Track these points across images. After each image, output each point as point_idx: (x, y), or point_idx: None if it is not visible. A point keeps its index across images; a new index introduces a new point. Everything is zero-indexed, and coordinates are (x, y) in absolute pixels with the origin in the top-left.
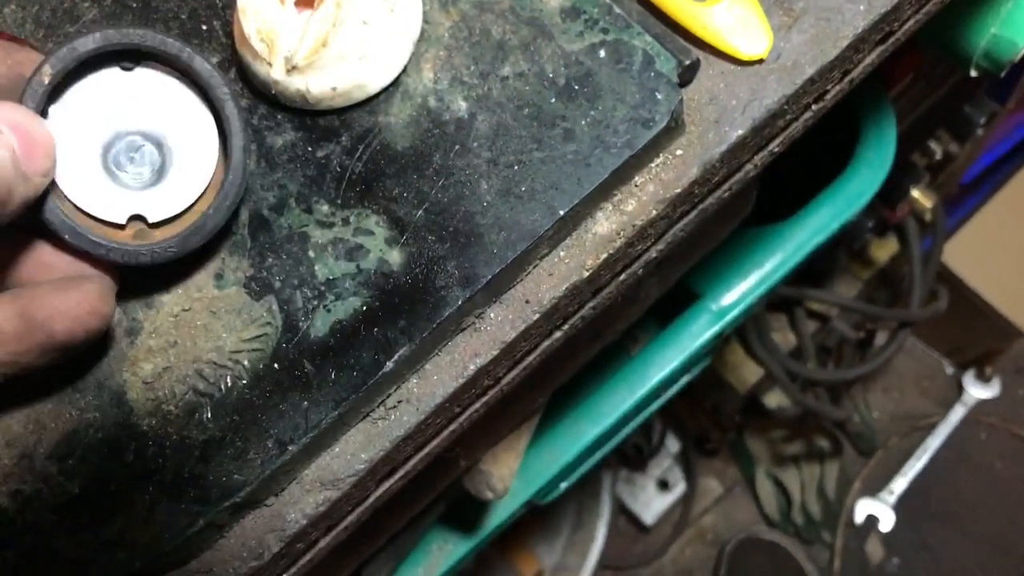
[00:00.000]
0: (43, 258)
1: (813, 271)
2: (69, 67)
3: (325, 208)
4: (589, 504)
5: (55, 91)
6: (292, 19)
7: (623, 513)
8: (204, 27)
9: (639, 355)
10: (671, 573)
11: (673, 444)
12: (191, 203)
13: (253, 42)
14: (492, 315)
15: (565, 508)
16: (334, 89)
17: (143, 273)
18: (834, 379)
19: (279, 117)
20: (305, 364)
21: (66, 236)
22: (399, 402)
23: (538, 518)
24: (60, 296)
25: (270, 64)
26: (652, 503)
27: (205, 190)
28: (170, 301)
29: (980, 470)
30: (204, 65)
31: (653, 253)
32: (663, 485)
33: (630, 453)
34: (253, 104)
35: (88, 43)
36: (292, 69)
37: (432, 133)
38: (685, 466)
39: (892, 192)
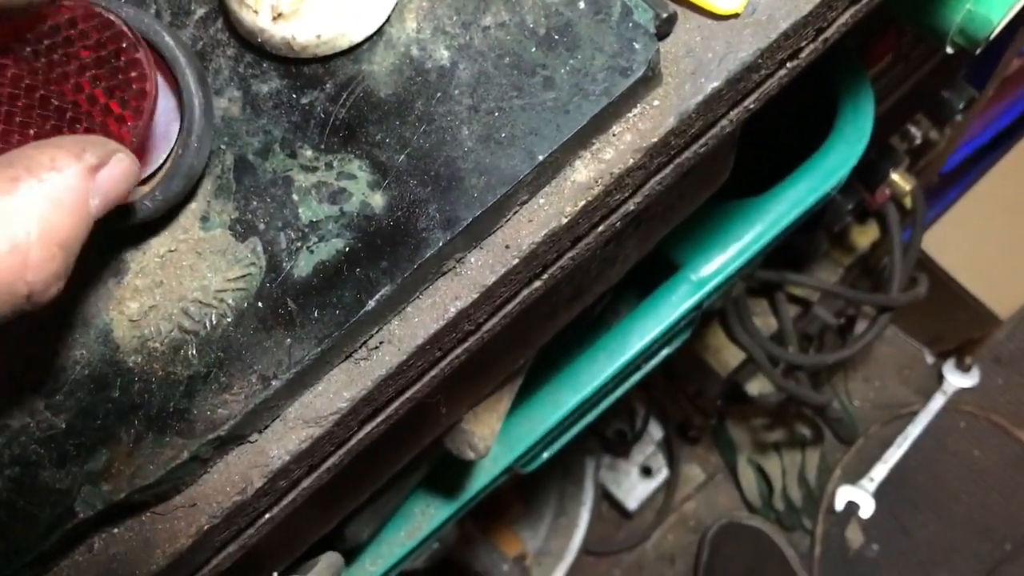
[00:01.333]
0: None
1: (794, 256)
2: None
3: (309, 153)
4: (572, 490)
5: None
6: None
7: (606, 499)
8: None
9: (620, 324)
10: (653, 558)
11: (656, 431)
12: (166, 156)
13: None
14: (472, 260)
15: (548, 494)
16: (319, 37)
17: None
18: (815, 363)
19: (264, 65)
20: (288, 303)
21: None
22: (381, 343)
23: (522, 501)
24: None
25: (256, 12)
26: (635, 489)
27: (177, 141)
28: (157, 243)
29: (959, 458)
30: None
31: (631, 205)
32: (646, 471)
33: (613, 439)
34: (239, 52)
35: None
36: (278, 17)
37: (415, 81)
38: (668, 453)
39: (872, 175)
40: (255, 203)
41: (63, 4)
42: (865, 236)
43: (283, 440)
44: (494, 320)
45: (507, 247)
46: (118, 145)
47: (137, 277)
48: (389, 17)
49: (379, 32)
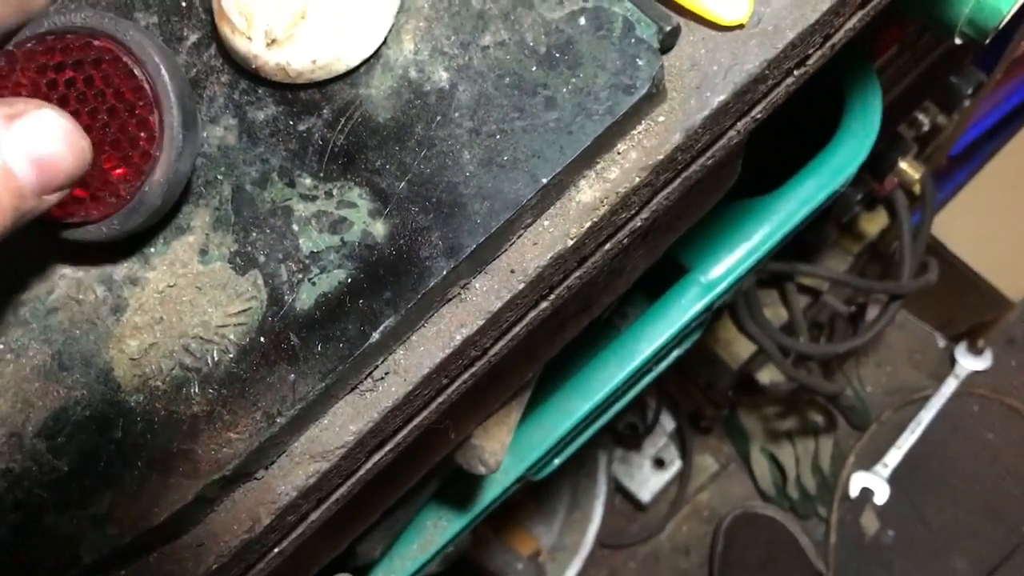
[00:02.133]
0: None
1: (803, 246)
2: None
3: (308, 181)
4: (585, 484)
5: None
6: None
7: (619, 492)
8: (183, 2)
9: (629, 329)
10: (668, 550)
11: (668, 422)
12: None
13: (232, 16)
14: (477, 285)
15: (561, 488)
16: (314, 62)
17: (125, 250)
18: (826, 353)
19: (260, 91)
20: (291, 337)
21: None
22: (386, 373)
23: (534, 499)
24: None
25: (249, 38)
26: (648, 481)
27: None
28: (155, 278)
29: (973, 441)
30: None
31: (638, 222)
32: (659, 463)
33: (625, 432)
34: (234, 79)
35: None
36: (272, 43)
37: (413, 104)
38: (680, 444)
39: (880, 164)
40: (254, 234)
41: (93, 41)
42: (874, 223)
43: (290, 476)
44: (500, 344)
45: (512, 271)
46: (41, 103)
47: (136, 314)
48: (386, 39)
49: (376, 54)
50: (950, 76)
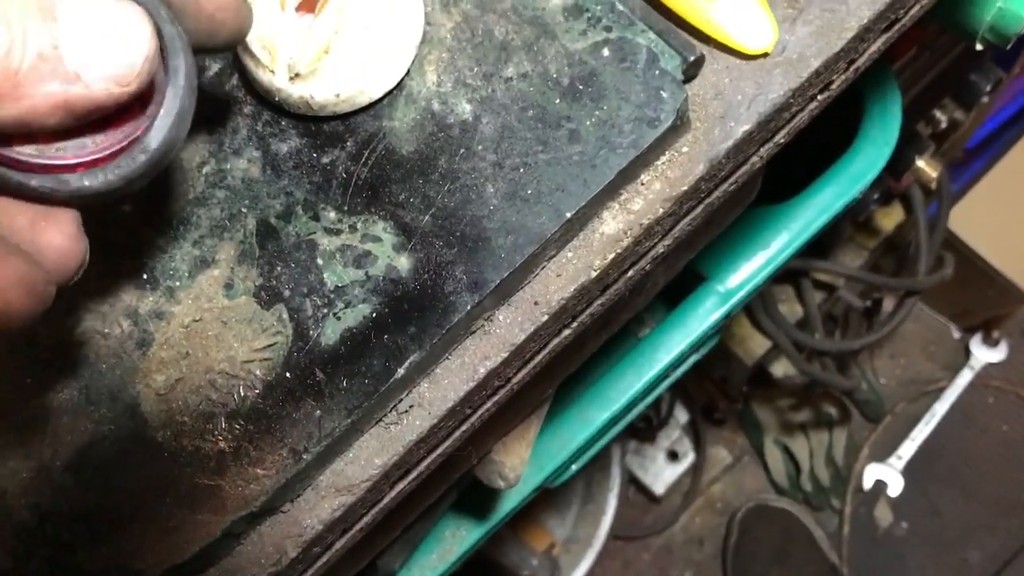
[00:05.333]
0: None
1: (818, 242)
2: None
3: (332, 215)
4: (599, 477)
5: None
6: (293, 25)
7: (633, 484)
8: None
9: (646, 339)
10: (682, 541)
11: (681, 415)
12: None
13: (254, 49)
14: (501, 317)
15: (575, 481)
16: (338, 95)
17: (151, 284)
18: (841, 349)
19: (283, 123)
20: (316, 372)
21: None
22: (411, 407)
23: (548, 494)
24: None
25: (272, 72)
26: (662, 473)
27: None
28: (181, 312)
29: (988, 433)
30: None
31: (660, 248)
32: (672, 455)
33: (639, 425)
34: (257, 110)
35: None
36: (295, 76)
37: (437, 137)
38: (694, 436)
39: (897, 163)
40: (279, 268)
41: None
42: (890, 218)
43: (316, 509)
44: (523, 372)
45: (536, 303)
46: None
47: (162, 348)
48: (408, 70)
49: (399, 86)
50: (969, 73)
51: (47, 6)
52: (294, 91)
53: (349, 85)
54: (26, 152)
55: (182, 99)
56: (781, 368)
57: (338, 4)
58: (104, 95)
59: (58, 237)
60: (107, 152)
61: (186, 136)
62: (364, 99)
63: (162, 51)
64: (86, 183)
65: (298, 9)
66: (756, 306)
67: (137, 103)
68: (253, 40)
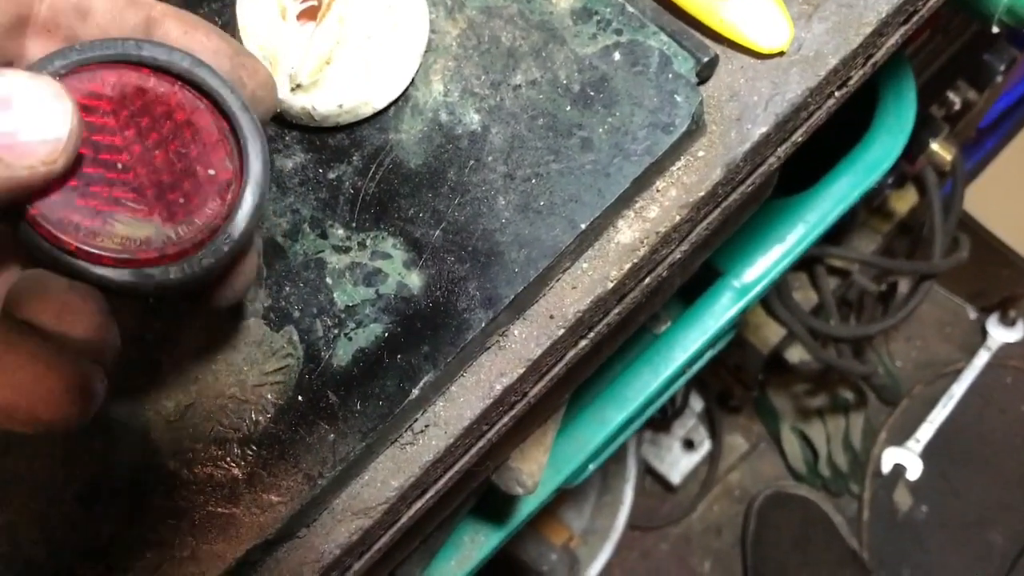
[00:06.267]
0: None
1: (832, 228)
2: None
3: (340, 232)
4: (615, 468)
5: None
6: (294, 35)
7: (649, 474)
8: None
9: (663, 336)
10: (700, 530)
11: (696, 403)
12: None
13: None
14: (516, 332)
15: (592, 474)
16: (340, 106)
17: (156, 307)
18: (857, 335)
19: (287, 139)
20: (329, 395)
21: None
22: (426, 426)
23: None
24: (15, 374)
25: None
26: (678, 463)
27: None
28: (189, 337)
29: (1006, 414)
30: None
31: (677, 255)
32: (688, 444)
33: (654, 415)
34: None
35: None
36: (297, 87)
37: (445, 148)
38: (709, 424)
39: (911, 146)
40: (288, 289)
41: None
42: (903, 201)
43: (332, 534)
44: (540, 386)
45: (551, 317)
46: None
47: (171, 374)
48: (413, 79)
49: (404, 96)
50: (983, 54)
51: None
52: (296, 102)
53: (352, 95)
54: (109, 247)
55: (261, 184)
56: (796, 354)
57: (340, 13)
58: (27, 174)
59: (89, 328)
60: (191, 244)
61: None
62: (368, 110)
63: (236, 135)
64: (171, 276)
65: (299, 18)
66: (770, 294)
67: (210, 186)
68: (254, 50)
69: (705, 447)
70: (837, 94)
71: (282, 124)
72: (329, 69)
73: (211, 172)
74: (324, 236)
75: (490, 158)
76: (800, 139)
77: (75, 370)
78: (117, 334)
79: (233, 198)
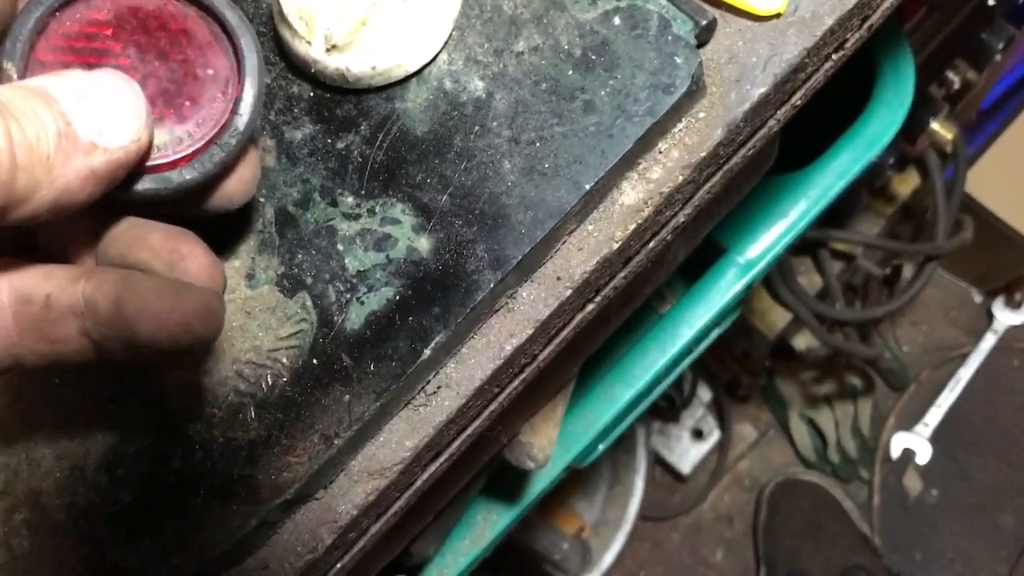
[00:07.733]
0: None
1: (835, 211)
2: None
3: (350, 200)
4: (625, 459)
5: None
6: None
7: (659, 464)
8: (242, 4)
9: (668, 314)
10: (711, 520)
11: (705, 393)
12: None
13: (292, 20)
14: (524, 294)
15: (601, 464)
16: (374, 68)
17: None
18: (862, 318)
19: (295, 111)
20: (343, 358)
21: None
22: (439, 388)
23: (576, 478)
24: (157, 296)
25: (309, 43)
26: (688, 452)
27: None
28: None
29: (1014, 396)
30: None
31: (681, 218)
32: (697, 434)
33: (663, 405)
34: (270, 99)
35: None
36: (332, 48)
37: (451, 116)
38: (718, 413)
39: (911, 126)
40: (300, 256)
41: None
42: (906, 184)
43: (349, 494)
44: (549, 349)
45: (559, 278)
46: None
47: None
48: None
49: None
50: (980, 32)
51: (38, 90)
52: (330, 63)
53: (386, 58)
54: None
55: (258, 75)
56: (803, 341)
57: None
58: (123, 154)
59: (201, 263)
60: (204, 142)
61: None
62: (400, 72)
63: (229, 35)
64: (187, 176)
65: None
66: (775, 279)
67: (212, 84)
68: (291, 11)
69: (714, 436)
70: (834, 57)
71: (292, 98)
72: (364, 31)
73: (210, 72)
74: (334, 204)
75: (495, 123)
76: (799, 102)
77: (203, 295)
78: (223, 269)
79: (235, 92)
